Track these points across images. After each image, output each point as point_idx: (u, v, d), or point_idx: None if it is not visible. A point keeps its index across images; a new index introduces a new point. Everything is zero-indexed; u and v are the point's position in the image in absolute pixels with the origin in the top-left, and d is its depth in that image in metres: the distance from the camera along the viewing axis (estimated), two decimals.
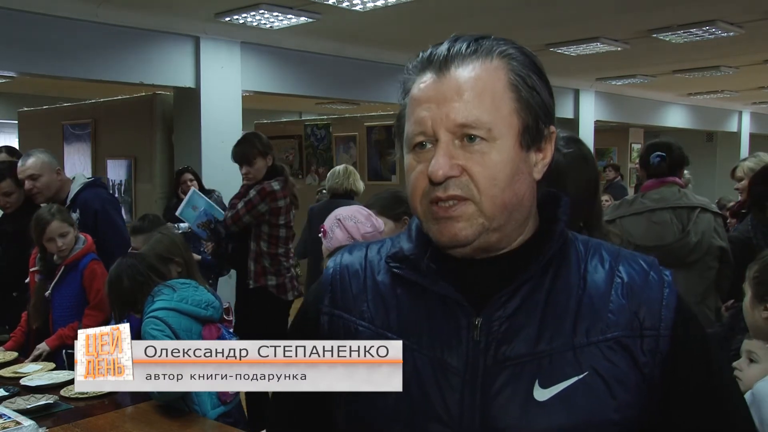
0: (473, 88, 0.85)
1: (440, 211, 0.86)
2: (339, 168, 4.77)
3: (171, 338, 2.55)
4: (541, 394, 0.84)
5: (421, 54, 0.91)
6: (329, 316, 0.98)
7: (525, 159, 0.88)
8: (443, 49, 0.88)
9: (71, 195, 3.87)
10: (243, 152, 3.95)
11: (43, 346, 3.17)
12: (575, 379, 0.84)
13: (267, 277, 3.96)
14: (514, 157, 0.86)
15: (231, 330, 2.98)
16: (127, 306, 2.76)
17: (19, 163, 3.78)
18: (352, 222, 2.52)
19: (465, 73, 0.86)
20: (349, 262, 1.01)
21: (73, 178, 4.00)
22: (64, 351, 3.18)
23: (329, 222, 2.53)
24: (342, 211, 2.56)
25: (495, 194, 0.85)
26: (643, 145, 3.18)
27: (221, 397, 2.62)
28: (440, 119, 0.85)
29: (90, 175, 6.12)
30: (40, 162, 3.76)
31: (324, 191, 5.74)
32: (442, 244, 0.88)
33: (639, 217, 2.82)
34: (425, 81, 0.88)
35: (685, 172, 4.42)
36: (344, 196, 4.50)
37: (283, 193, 3.88)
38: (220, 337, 2.76)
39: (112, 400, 2.66)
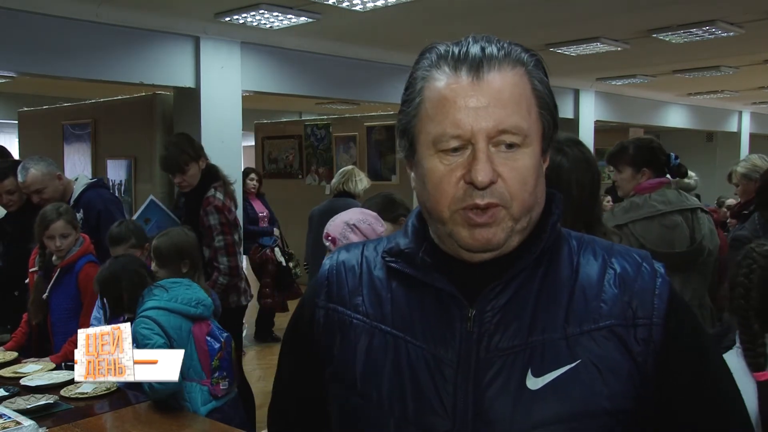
0: (513, 94, 0.86)
1: (476, 217, 0.85)
2: (343, 168, 4.72)
3: (161, 336, 2.58)
4: (533, 383, 0.85)
5: (438, 50, 0.88)
6: (325, 310, 0.99)
7: (542, 164, 0.90)
8: (476, 50, 0.86)
9: (74, 195, 3.88)
10: (173, 159, 3.54)
11: (46, 361, 3.17)
12: (568, 367, 0.85)
13: (229, 297, 3.57)
14: (538, 161, 0.88)
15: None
16: (121, 304, 2.78)
17: (19, 179, 3.78)
18: (366, 224, 2.48)
19: (501, 78, 0.86)
20: (346, 258, 1.02)
21: (76, 179, 4.01)
22: (63, 363, 3.18)
23: (338, 229, 2.46)
24: (350, 216, 2.51)
25: (525, 198, 0.86)
26: (635, 145, 3.09)
27: (212, 392, 2.64)
28: (479, 123, 0.84)
29: (90, 175, 6.14)
30: (40, 174, 3.75)
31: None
32: (472, 248, 0.88)
33: (651, 221, 2.80)
34: (459, 81, 0.85)
35: (692, 173, 4.40)
36: (342, 196, 4.47)
37: (228, 199, 3.56)
38: (210, 333, 2.78)
39: (112, 400, 2.66)
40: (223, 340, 2.76)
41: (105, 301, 2.86)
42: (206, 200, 3.50)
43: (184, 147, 3.56)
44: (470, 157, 0.84)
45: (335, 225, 2.49)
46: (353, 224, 2.46)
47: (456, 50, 0.87)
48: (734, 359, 1.67)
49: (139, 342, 2.59)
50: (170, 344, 2.61)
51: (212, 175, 3.62)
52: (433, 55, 0.88)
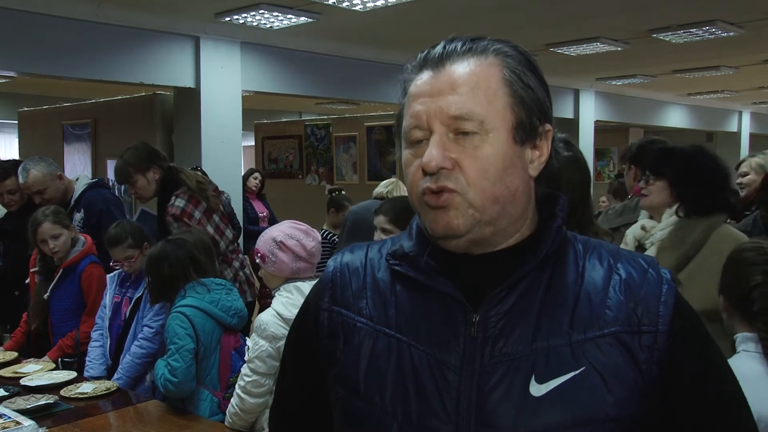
0: (467, 82, 0.86)
1: (431, 199, 0.87)
2: (388, 180, 4.66)
3: (192, 339, 2.57)
4: (537, 390, 0.84)
5: (419, 55, 0.92)
6: (329, 313, 0.99)
7: (519, 154, 0.89)
8: (439, 48, 0.90)
9: (75, 195, 3.88)
10: (120, 173, 3.55)
11: (46, 361, 3.17)
12: (572, 374, 0.85)
13: None
14: (507, 150, 0.87)
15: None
16: (164, 292, 2.75)
17: (20, 180, 3.78)
18: (293, 240, 2.43)
19: (459, 68, 0.87)
20: (350, 260, 1.02)
21: (77, 179, 4.01)
22: (60, 359, 3.18)
23: (267, 246, 2.44)
24: (278, 233, 2.46)
25: (485, 187, 0.86)
26: (636, 143, 3.10)
27: (222, 406, 2.62)
28: (434, 112, 0.86)
29: (90, 176, 6.14)
30: (41, 175, 3.76)
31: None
32: (437, 233, 0.89)
33: None
34: (422, 78, 0.90)
35: None
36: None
37: (192, 205, 3.48)
38: (238, 349, 2.74)
39: (112, 400, 2.66)
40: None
41: (149, 280, 2.79)
42: (166, 210, 3.46)
43: (129, 159, 3.50)
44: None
45: (264, 241, 2.46)
46: (280, 241, 2.42)
47: (424, 54, 0.91)
48: (751, 364, 1.62)
49: (169, 337, 2.58)
50: (198, 349, 2.60)
51: (173, 182, 3.52)
52: (413, 60, 0.93)
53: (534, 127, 0.89)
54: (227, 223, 3.73)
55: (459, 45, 0.89)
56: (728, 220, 4.57)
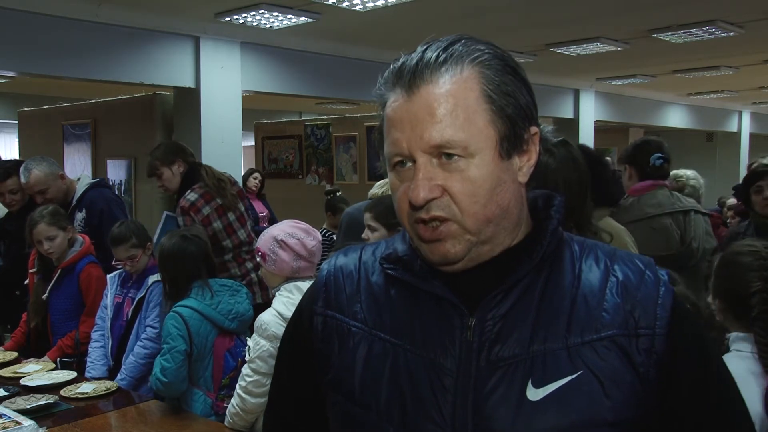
0: (444, 106, 0.83)
1: (426, 233, 0.86)
2: (382, 180, 4.66)
3: (184, 340, 2.57)
4: (534, 394, 0.84)
5: (392, 64, 0.88)
6: (323, 317, 0.98)
7: (507, 167, 0.86)
8: (411, 63, 0.85)
9: (77, 195, 3.88)
10: (149, 166, 3.78)
11: (46, 361, 3.17)
12: (569, 378, 0.84)
13: None
14: (494, 169, 0.85)
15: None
16: (179, 290, 2.73)
17: (22, 180, 3.78)
18: (294, 239, 2.44)
19: (435, 89, 0.83)
20: (344, 263, 1.01)
21: (78, 179, 4.01)
22: (59, 359, 3.18)
23: (267, 244, 2.44)
24: (279, 231, 2.46)
25: (477, 211, 0.84)
26: (632, 143, 3.12)
27: (214, 407, 2.62)
28: (415, 141, 0.84)
29: (91, 176, 6.13)
30: (43, 175, 3.76)
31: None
32: (434, 262, 0.88)
33: (638, 224, 2.79)
34: (396, 101, 0.86)
35: (689, 172, 4.36)
36: None
37: (203, 200, 3.59)
38: (230, 350, 2.74)
39: (112, 400, 2.66)
40: (240, 359, 2.66)
41: (163, 276, 2.79)
42: (179, 205, 3.62)
43: (155, 153, 3.74)
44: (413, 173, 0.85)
45: (265, 240, 2.46)
46: (281, 240, 2.43)
47: (398, 64, 0.87)
48: (739, 363, 1.63)
49: (164, 336, 2.60)
50: (191, 351, 2.60)
51: (193, 177, 3.68)
52: (387, 72, 0.89)
53: (519, 136, 0.86)
54: (243, 224, 3.78)
55: (432, 57, 0.84)
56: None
